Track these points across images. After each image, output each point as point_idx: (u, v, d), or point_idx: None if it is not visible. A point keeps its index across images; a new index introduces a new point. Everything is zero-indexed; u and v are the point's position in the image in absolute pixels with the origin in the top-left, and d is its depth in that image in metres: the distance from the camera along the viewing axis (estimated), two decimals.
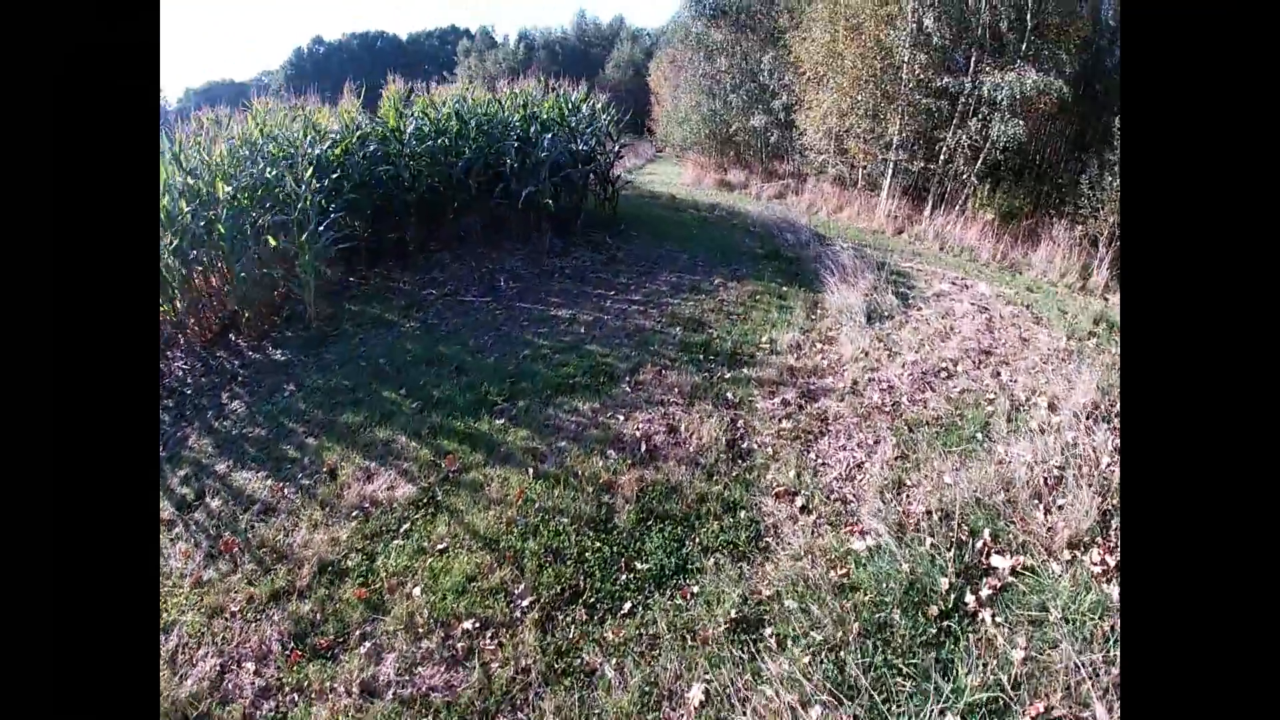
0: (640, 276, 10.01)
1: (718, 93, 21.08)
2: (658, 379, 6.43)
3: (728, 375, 6.57)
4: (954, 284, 9.89)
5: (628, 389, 6.30)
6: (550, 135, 11.48)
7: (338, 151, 9.65)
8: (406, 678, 3.54)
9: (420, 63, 54.54)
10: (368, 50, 54.78)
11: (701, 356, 6.99)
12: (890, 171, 14.99)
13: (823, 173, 17.48)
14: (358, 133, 10.43)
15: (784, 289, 9.30)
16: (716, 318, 8.15)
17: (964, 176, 13.53)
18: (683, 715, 3.23)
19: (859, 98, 14.60)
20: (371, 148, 10.40)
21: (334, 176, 9.17)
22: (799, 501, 4.72)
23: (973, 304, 8.83)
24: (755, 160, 21.34)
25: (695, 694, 3.28)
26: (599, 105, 13.79)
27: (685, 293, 9.11)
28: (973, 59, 13.01)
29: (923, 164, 14.14)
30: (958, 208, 13.74)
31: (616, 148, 13.93)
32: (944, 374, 6.50)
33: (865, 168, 16.06)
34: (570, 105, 13.00)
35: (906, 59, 13.57)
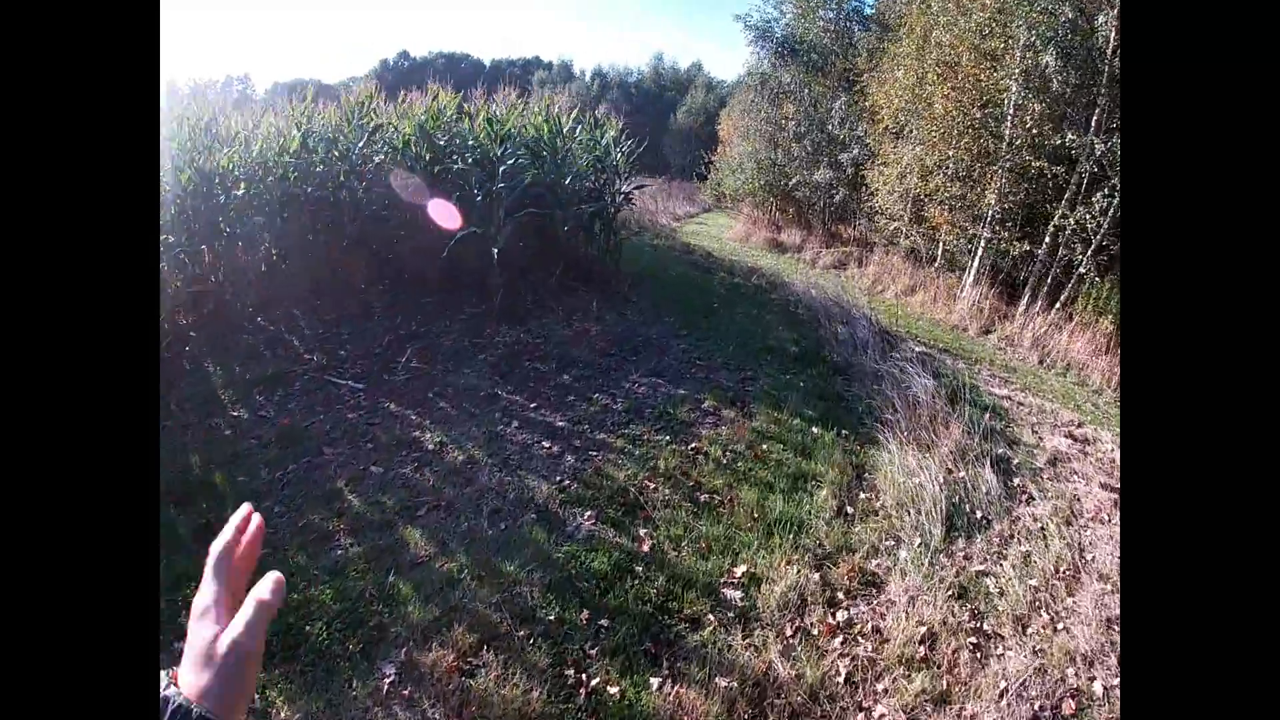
0: (595, 375, 6.82)
1: (780, 141, 17.93)
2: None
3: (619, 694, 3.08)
4: (1071, 436, 6.34)
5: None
6: (513, 160, 8.46)
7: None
8: None
9: (500, 88, 53.51)
10: (452, 69, 53.82)
11: (584, 620, 3.49)
12: (979, 251, 11.48)
13: (893, 244, 14.04)
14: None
15: (813, 433, 5.87)
16: (667, 496, 4.71)
17: (1077, 268, 9.93)
18: None
19: (949, 154, 11.20)
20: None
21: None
22: None
23: (1104, 484, 5.31)
24: (816, 220, 18.02)
25: None
26: (611, 134, 10.78)
27: (645, 421, 5.86)
28: (1101, 112, 9.48)
29: (1023, 246, 10.58)
30: (1061, 307, 10.12)
31: (624, 187, 10.86)
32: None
33: (948, 243, 12.56)
34: (564, 128, 10.02)
35: (1014, 107, 10.15)
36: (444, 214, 8.32)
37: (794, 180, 17.39)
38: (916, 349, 8.73)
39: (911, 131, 12.45)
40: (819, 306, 10.13)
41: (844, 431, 5.83)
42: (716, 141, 23.99)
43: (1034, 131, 10.01)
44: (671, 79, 44.34)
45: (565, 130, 10.11)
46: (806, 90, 17.14)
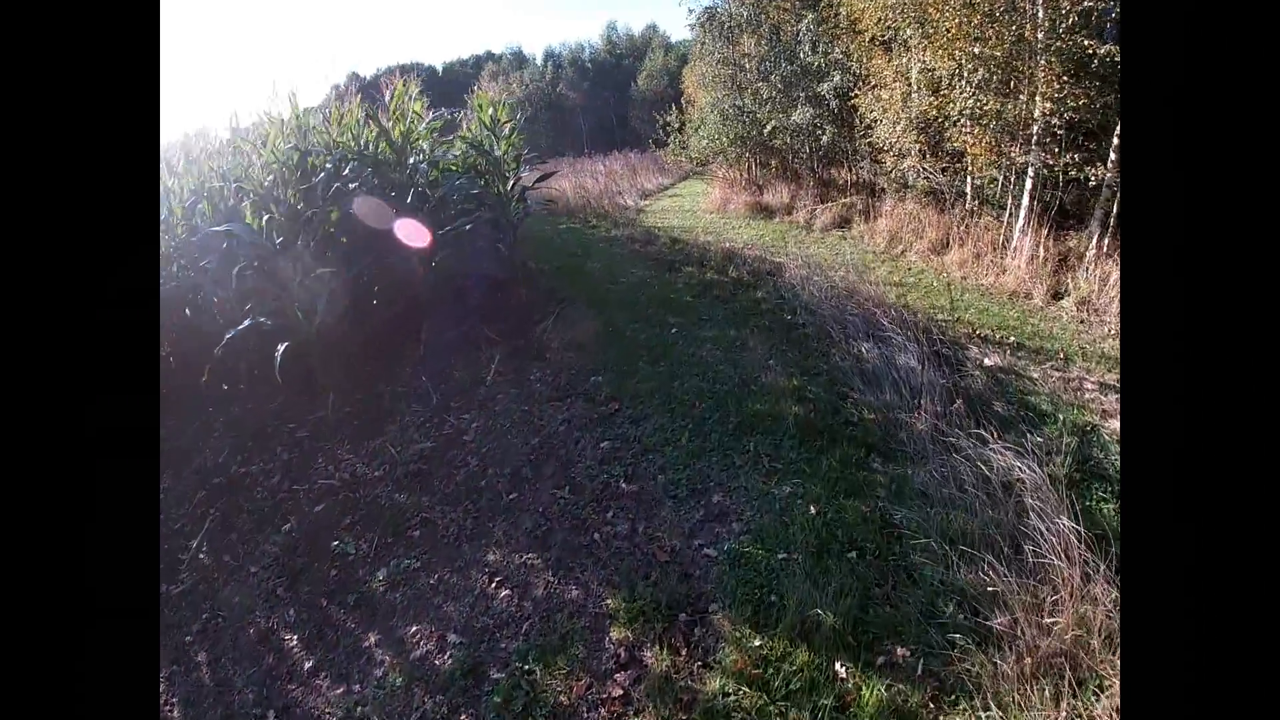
0: (429, 564, 3.76)
1: (743, 83, 14.47)
2: None
3: None
4: None
5: None
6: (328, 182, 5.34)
7: None
8: None
9: (455, 91, 49.96)
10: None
11: None
12: (1028, 184, 8.12)
13: (907, 187, 10.64)
14: None
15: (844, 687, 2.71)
16: None
17: None
18: None
19: (972, 53, 7.81)
20: None
21: None
22: None
23: None
24: (804, 170, 14.60)
25: None
26: (489, 114, 7.62)
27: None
28: None
29: (1092, 169, 7.23)
30: None
31: (517, 189, 7.67)
32: None
33: (981, 175, 9.20)
34: (411, 126, 6.82)
35: None
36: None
37: (769, 126, 13.95)
38: (988, 361, 5.48)
39: (910, 35, 9.05)
40: (827, 306, 6.86)
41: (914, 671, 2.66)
42: (684, 103, 20.44)
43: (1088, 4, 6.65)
44: (627, 46, 40.56)
45: (410, 130, 6.87)
46: (763, 17, 13.65)
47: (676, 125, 17.43)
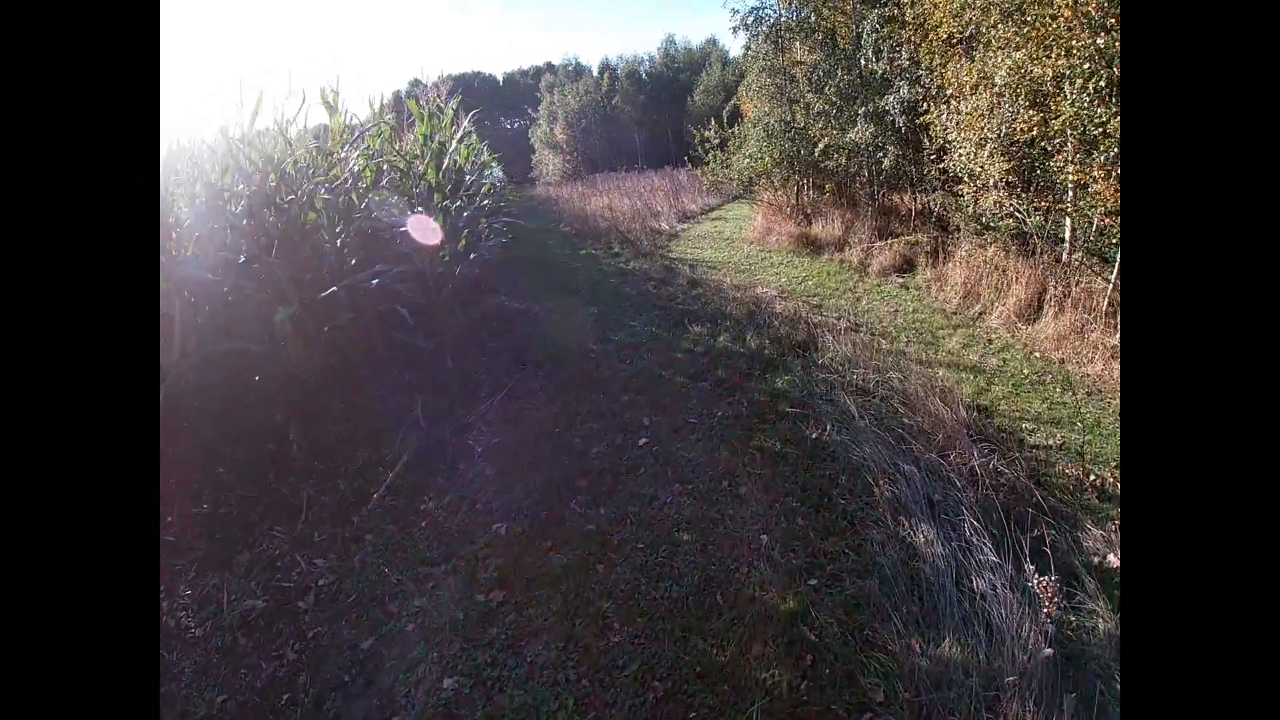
0: None
1: (793, 94, 12.23)
2: None
3: None
4: None
5: None
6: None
7: None
8: None
9: (516, 101, 48.91)
10: (467, 91, 49.62)
11: None
12: None
13: (989, 228, 8.24)
14: None
15: None
16: None
17: None
18: None
19: (1090, 46, 5.50)
20: None
21: None
22: None
23: None
24: (862, 195, 12.27)
25: None
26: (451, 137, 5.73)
27: None
28: None
29: None
30: None
31: (462, 222, 5.68)
32: None
33: (1089, 219, 6.81)
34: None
35: None
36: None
37: (820, 145, 11.66)
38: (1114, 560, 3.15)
39: (996, 32, 6.75)
40: (872, 421, 4.62)
41: None
42: (730, 117, 18.21)
43: None
44: (685, 59, 38.31)
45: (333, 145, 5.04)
46: (816, 19, 11.40)
47: (716, 141, 15.30)
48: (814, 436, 4.50)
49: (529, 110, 42.63)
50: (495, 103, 50.60)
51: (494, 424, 5.08)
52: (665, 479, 4.18)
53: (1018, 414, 5.09)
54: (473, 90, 51.24)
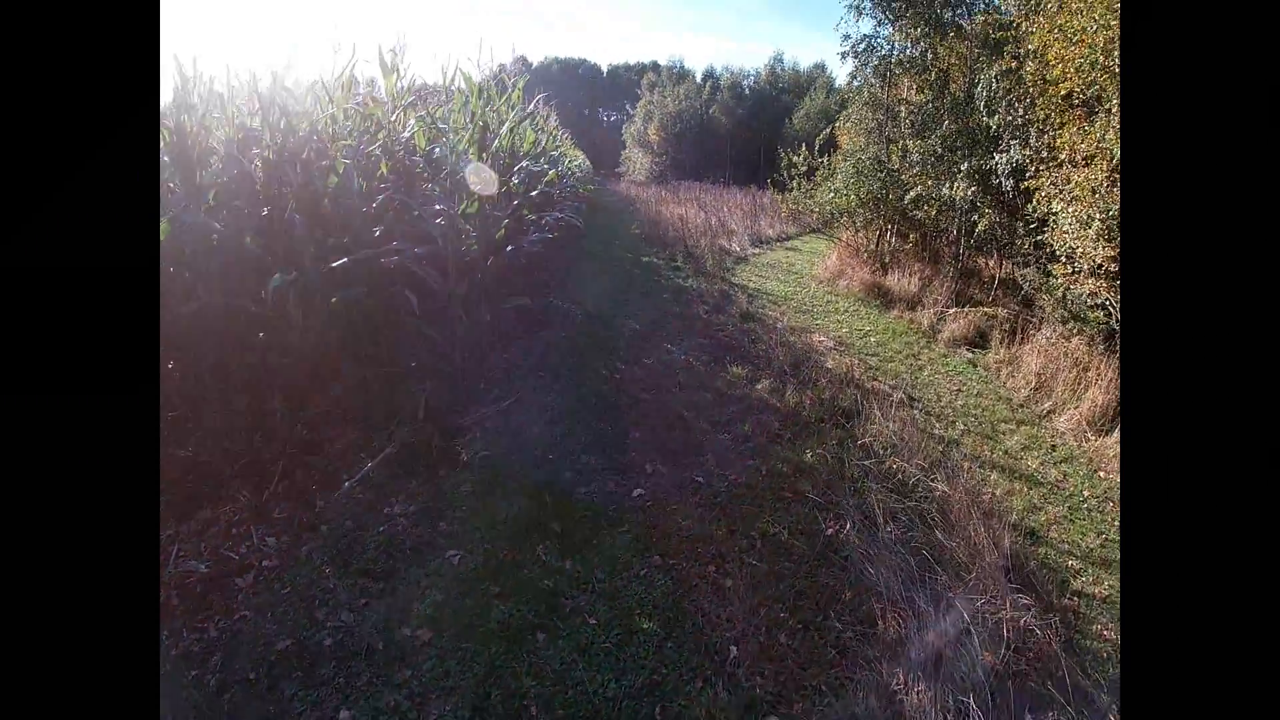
0: None
1: (893, 134, 11.47)
2: None
3: None
4: None
5: None
6: None
7: None
8: None
9: (617, 94, 48.99)
10: (570, 76, 49.94)
11: None
12: None
13: (1077, 319, 7.39)
14: None
15: None
16: None
17: None
18: None
19: None
20: None
21: None
22: None
23: None
24: (946, 252, 11.45)
25: None
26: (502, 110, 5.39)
27: None
28: None
29: None
30: None
31: (498, 208, 5.28)
32: None
33: None
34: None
35: None
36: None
37: (911, 194, 10.89)
38: None
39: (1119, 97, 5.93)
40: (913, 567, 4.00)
41: None
42: (831, 149, 17.41)
43: None
44: (790, 81, 37.36)
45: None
46: (931, 56, 10.62)
47: (804, 169, 14.60)
48: (829, 533, 3.88)
49: (627, 106, 42.56)
50: (596, 93, 50.79)
51: (489, 434, 4.65)
52: (646, 546, 3.65)
53: (1068, 546, 4.39)
54: (576, 77, 51.60)
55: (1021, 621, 3.40)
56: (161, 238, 3.88)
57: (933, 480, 4.61)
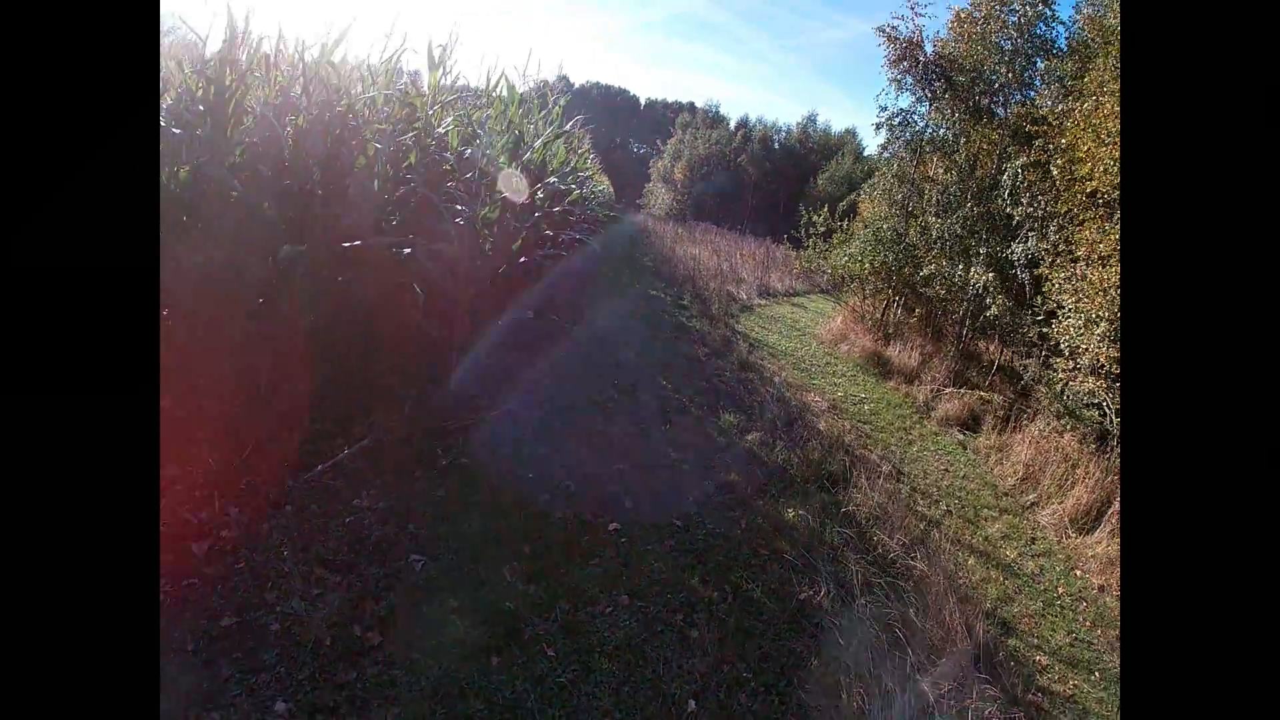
0: None
1: (915, 210, 11.57)
2: None
3: None
4: None
5: None
6: None
7: None
8: None
9: (648, 128, 49.57)
10: (607, 102, 50.59)
11: None
12: None
13: (1072, 415, 7.35)
14: None
15: None
16: None
17: None
18: None
19: None
20: None
21: None
22: None
23: None
24: (949, 329, 11.48)
25: None
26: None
27: None
28: None
29: None
30: None
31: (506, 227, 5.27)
32: None
33: None
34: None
35: None
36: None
37: (925, 270, 10.95)
38: None
39: None
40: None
41: None
42: (851, 215, 17.58)
43: None
44: (820, 142, 38.01)
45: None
46: (963, 141, 10.75)
47: (822, 229, 14.70)
48: (802, 597, 3.77)
49: (658, 141, 43.09)
50: (630, 124, 51.44)
51: (472, 442, 4.54)
52: (617, 583, 3.53)
53: (1037, 641, 4.32)
54: (613, 105, 52.36)
55: (986, 713, 3.31)
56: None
57: (912, 558, 4.51)
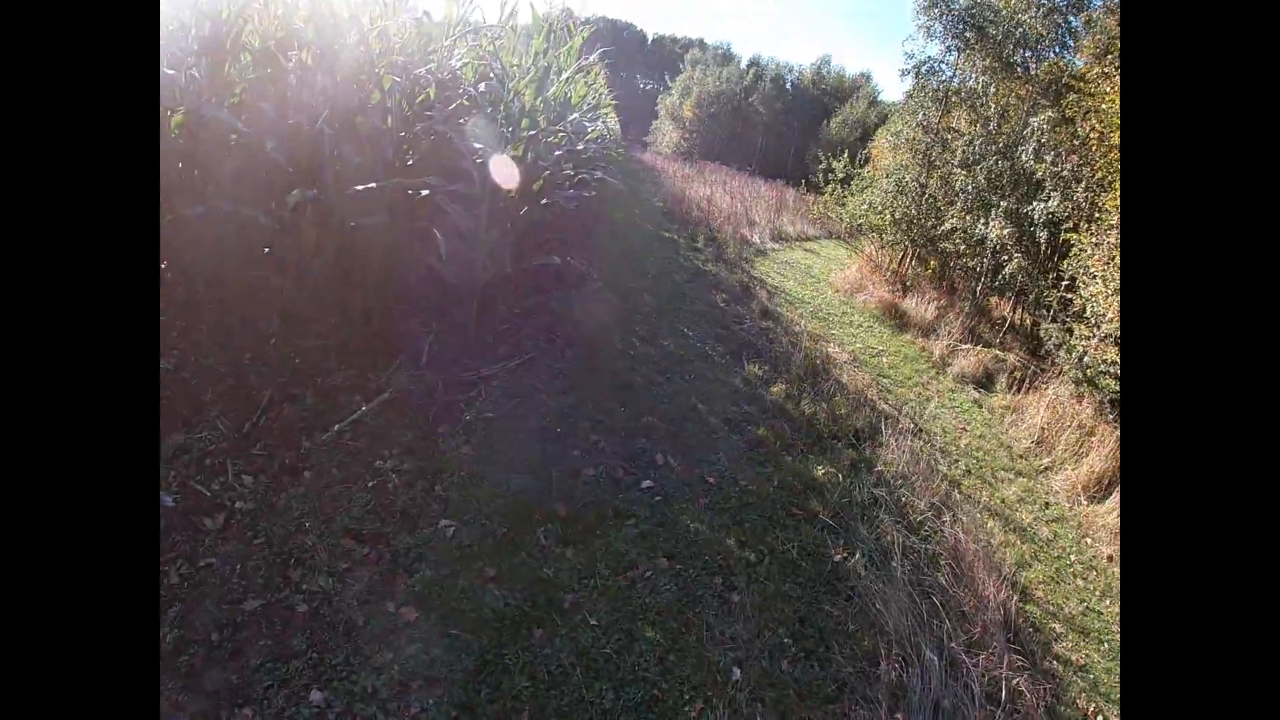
0: None
1: (938, 160, 11.16)
2: None
3: None
4: None
5: None
6: None
7: None
8: None
9: (658, 65, 47.81)
10: (615, 37, 48.55)
11: None
12: None
13: (1090, 382, 7.19)
14: None
15: None
16: None
17: None
18: None
19: None
20: None
21: None
22: None
23: None
24: (964, 286, 11.27)
25: None
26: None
27: None
28: None
29: None
30: None
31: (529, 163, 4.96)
32: None
33: None
34: None
35: None
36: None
37: (946, 224, 10.64)
38: None
39: None
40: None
41: None
42: (866, 162, 17.02)
43: None
44: (834, 85, 36.65)
45: None
46: (991, 91, 10.29)
47: (841, 176, 14.26)
48: (836, 559, 3.69)
49: (666, 76, 41.58)
50: (637, 59, 49.51)
51: (495, 394, 4.38)
52: (654, 543, 3.43)
53: (1052, 608, 4.27)
54: (620, 40, 50.14)
55: (1014, 682, 3.27)
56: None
57: (940, 519, 4.44)
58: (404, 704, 2.36)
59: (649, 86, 47.81)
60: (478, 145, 4.87)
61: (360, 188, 4.09)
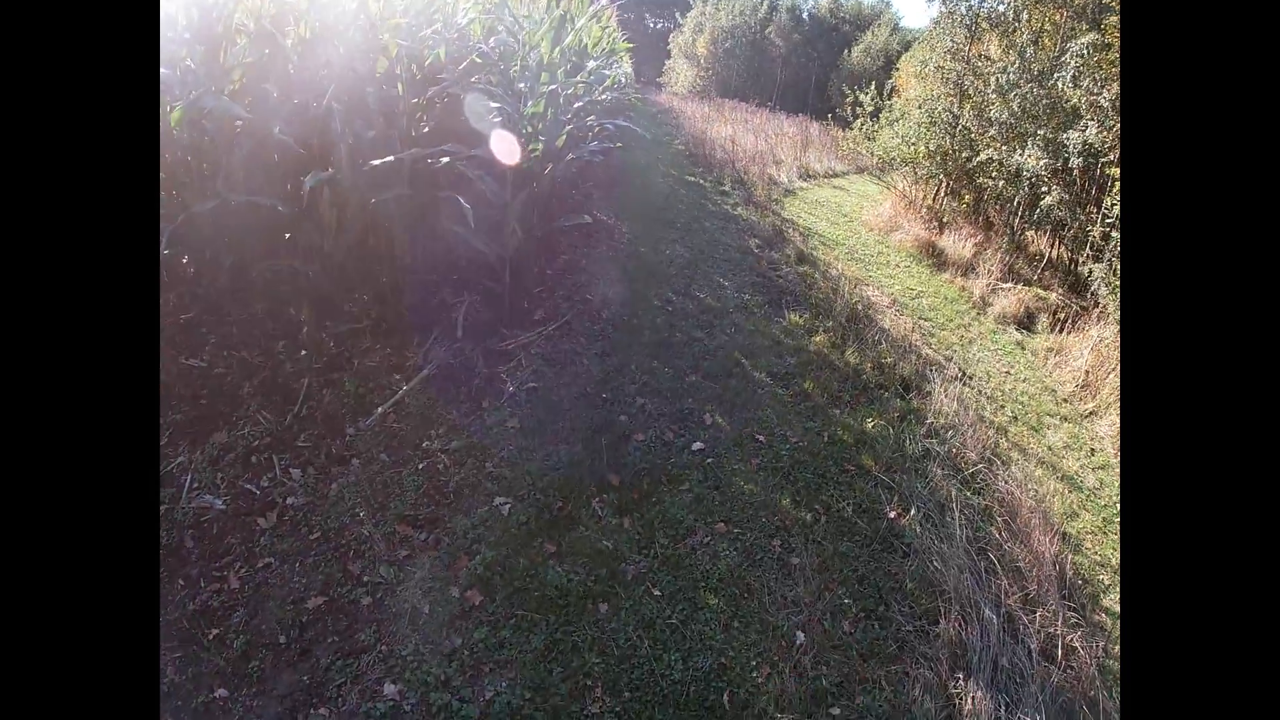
0: None
1: (971, 90, 10.63)
2: None
3: None
4: None
5: None
6: None
7: None
8: None
9: (668, 4, 45.87)
10: None
11: None
12: None
13: None
14: None
15: None
16: None
17: None
18: None
19: None
20: None
21: None
22: None
23: None
24: (1000, 221, 10.88)
25: None
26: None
27: None
28: None
29: None
30: None
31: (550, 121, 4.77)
32: None
33: None
34: None
35: None
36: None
37: (981, 156, 10.20)
38: None
39: None
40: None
41: None
42: (894, 93, 16.24)
43: None
44: (852, 12, 34.92)
45: None
46: (1025, 17, 9.70)
47: (870, 108, 13.68)
48: (891, 516, 3.64)
49: (676, 13, 39.97)
50: None
51: (535, 362, 4.33)
52: (710, 508, 3.40)
53: (1100, 560, 4.18)
54: None
55: (1068, 638, 3.22)
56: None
57: (992, 470, 4.35)
58: (478, 689, 2.37)
59: (659, 25, 46.05)
60: (493, 105, 4.69)
61: (377, 162, 3.97)
